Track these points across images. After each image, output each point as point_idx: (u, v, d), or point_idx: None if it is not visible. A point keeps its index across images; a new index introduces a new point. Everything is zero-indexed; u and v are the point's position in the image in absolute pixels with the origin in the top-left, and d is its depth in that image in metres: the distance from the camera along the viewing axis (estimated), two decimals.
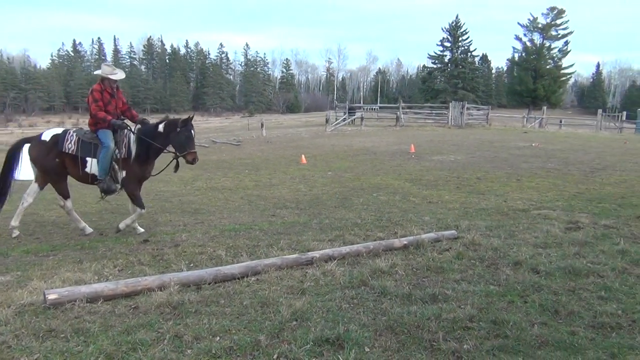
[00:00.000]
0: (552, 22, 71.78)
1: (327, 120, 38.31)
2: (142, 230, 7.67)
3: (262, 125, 34.57)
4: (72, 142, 7.29)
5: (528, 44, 73.71)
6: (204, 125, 57.10)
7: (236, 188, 13.23)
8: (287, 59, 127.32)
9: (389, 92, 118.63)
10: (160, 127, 7.37)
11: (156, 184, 14.31)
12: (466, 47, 74.90)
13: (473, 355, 3.65)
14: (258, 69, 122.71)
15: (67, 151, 7.29)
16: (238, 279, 5.31)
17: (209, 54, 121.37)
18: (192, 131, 7.08)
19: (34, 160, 7.51)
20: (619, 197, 10.27)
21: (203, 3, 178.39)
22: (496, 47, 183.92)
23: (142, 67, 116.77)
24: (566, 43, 72.52)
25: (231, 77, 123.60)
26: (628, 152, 19.89)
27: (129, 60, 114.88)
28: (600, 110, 42.35)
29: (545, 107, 48.89)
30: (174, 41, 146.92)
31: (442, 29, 75.23)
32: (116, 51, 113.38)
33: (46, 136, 7.50)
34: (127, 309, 4.54)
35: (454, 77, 72.36)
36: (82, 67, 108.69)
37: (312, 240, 7.00)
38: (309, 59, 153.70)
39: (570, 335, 3.96)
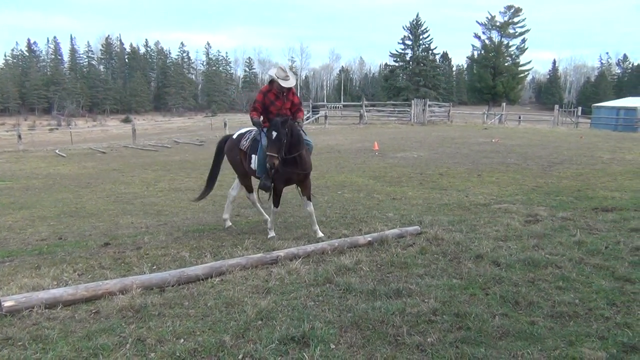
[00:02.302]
0: (510, 21, 73.67)
1: None
2: (273, 235, 7.22)
3: (225, 124, 34.26)
4: (247, 140, 7.45)
5: (487, 42, 75.49)
6: (166, 126, 56.32)
7: (200, 188, 13.03)
8: (249, 57, 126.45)
9: (352, 90, 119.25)
10: None
11: (117, 186, 14.04)
12: (427, 45, 75.89)
13: (437, 348, 3.70)
14: (220, 68, 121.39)
15: (243, 148, 7.48)
16: (202, 280, 5.26)
17: (169, 53, 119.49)
18: (273, 132, 6.49)
19: (226, 155, 8.00)
20: (575, 190, 10.59)
21: (162, 2, 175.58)
22: (456, 45, 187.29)
23: (101, 67, 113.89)
24: (523, 41, 74.68)
25: (193, 76, 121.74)
26: (584, 146, 20.51)
27: (86, 60, 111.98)
28: (557, 106, 43.51)
29: (504, 104, 50.01)
30: (133, 40, 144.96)
31: (404, 28, 76.16)
32: (73, 51, 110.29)
33: (236, 134, 7.85)
34: (87, 314, 4.45)
35: (416, 75, 73.23)
36: (38, 68, 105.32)
37: (277, 239, 6.99)
38: (272, 58, 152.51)
39: (530, 325, 4.06)
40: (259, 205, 8.14)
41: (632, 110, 39.37)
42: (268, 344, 3.74)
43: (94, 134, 48.78)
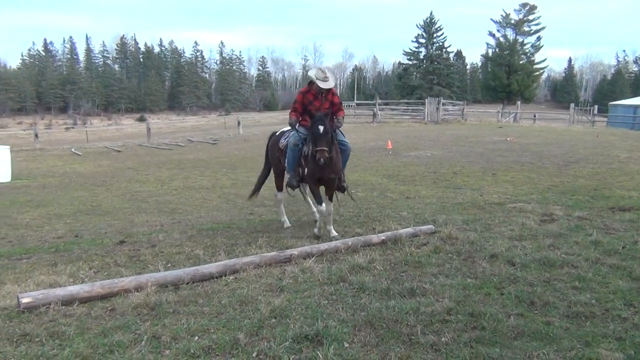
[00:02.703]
0: (525, 18, 73.02)
1: None
2: (319, 235, 7.08)
3: (238, 123, 34.36)
4: (286, 138, 7.46)
5: (501, 39, 74.90)
6: (180, 124, 56.65)
7: (213, 187, 13.16)
8: (263, 56, 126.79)
9: (365, 89, 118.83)
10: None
11: (132, 184, 14.16)
12: (441, 44, 75.55)
13: (451, 347, 3.68)
14: (234, 67, 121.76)
15: (281, 147, 7.53)
16: (216, 278, 5.28)
17: (183, 52, 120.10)
18: (320, 127, 6.41)
19: (269, 150, 8.07)
20: (591, 189, 10.47)
21: (176, 1, 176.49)
22: (470, 43, 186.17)
23: (116, 66, 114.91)
24: (538, 38, 73.95)
25: (207, 75, 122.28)
26: (600, 145, 20.27)
27: (101, 59, 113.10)
28: (572, 105, 43.09)
29: (519, 102, 49.52)
30: (148, 40, 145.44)
31: (417, 26, 75.83)
32: (88, 50, 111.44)
33: (279, 131, 7.90)
34: (103, 311, 4.48)
35: (430, 73, 72.94)
36: (54, 67, 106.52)
37: (291, 238, 7.01)
38: (285, 57, 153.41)
39: (546, 325, 4.02)
40: (282, 207, 8.08)
41: None
42: (282, 342, 3.75)
43: (109, 132, 49.20)
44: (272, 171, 8.13)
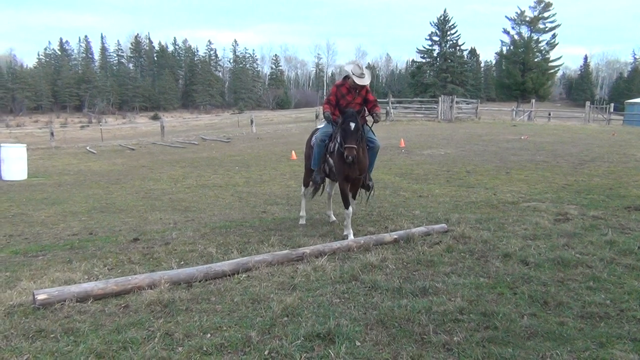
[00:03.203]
0: (540, 15, 72.24)
1: (316, 116, 38.26)
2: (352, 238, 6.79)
3: (251, 121, 34.46)
4: (315, 136, 7.51)
5: (516, 37, 74.20)
6: (193, 123, 56.91)
7: (226, 185, 13.22)
8: (276, 55, 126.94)
9: (378, 87, 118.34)
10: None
11: (146, 182, 14.27)
12: (454, 41, 75.16)
13: (463, 347, 3.66)
14: (247, 66, 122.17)
15: (312, 144, 7.59)
16: (229, 275, 5.31)
17: (197, 50, 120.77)
18: (351, 124, 6.33)
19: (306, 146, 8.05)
20: (607, 189, 10.36)
21: (190, 0, 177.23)
22: (484, 40, 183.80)
23: (130, 65, 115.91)
24: (554, 36, 73.12)
25: (220, 74, 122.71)
26: (616, 143, 20.04)
27: (116, 58, 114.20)
28: (588, 103, 42.64)
29: (533, 100, 49.10)
30: (162, 38, 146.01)
31: (431, 24, 75.54)
32: (103, 49, 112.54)
33: (315, 128, 7.92)
34: (117, 308, 4.52)
35: (443, 71, 72.58)
36: (70, 66, 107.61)
37: (303, 236, 7.01)
38: (298, 55, 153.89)
39: (559, 325, 3.98)
40: (304, 202, 8.07)
41: None
42: (294, 340, 3.76)
43: (123, 131, 49.59)
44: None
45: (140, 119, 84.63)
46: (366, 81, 7.03)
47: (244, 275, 5.32)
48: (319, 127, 7.76)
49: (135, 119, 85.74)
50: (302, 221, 7.86)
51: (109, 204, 11.01)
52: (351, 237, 6.77)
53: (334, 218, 7.98)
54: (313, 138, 7.54)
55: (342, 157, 6.50)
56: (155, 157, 21.59)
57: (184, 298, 4.66)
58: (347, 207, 6.90)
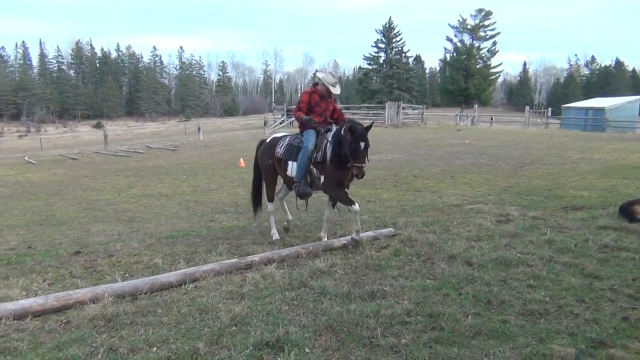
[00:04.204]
0: (481, 24, 74.81)
1: (265, 123, 38.21)
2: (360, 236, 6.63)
3: (199, 129, 34.04)
4: (282, 147, 7.18)
5: (458, 44, 76.51)
6: (138, 131, 55.66)
7: (173, 194, 12.97)
8: (223, 61, 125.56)
9: None
10: (342, 132, 6.59)
11: (88, 193, 13.83)
12: (400, 48, 76.58)
13: (411, 349, 3.73)
14: (194, 72, 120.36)
15: (278, 155, 7.22)
16: (176, 287, 5.21)
17: (141, 57, 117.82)
18: (362, 143, 6.20)
19: (258, 158, 7.71)
20: (545, 190, 10.78)
21: (134, 5, 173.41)
22: (429, 48, 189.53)
23: (71, 72, 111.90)
24: (494, 43, 75.85)
25: (166, 80, 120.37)
26: (554, 146, 20.91)
27: (56, 65, 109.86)
28: (527, 107, 44.28)
29: (476, 105, 50.76)
30: (105, 44, 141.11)
31: (376, 31, 76.69)
32: (42, 55, 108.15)
33: (269, 138, 7.67)
34: (58, 324, 4.37)
35: (389, 78, 73.78)
36: (6, 73, 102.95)
37: (252, 244, 6.97)
38: (245, 62, 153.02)
39: (502, 323, 4.11)
40: (272, 218, 7.63)
41: (600, 110, 40.33)
42: (242, 349, 3.72)
43: (64, 140, 47.93)
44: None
45: (82, 128, 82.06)
46: (338, 90, 7.11)
47: (191, 286, 5.23)
48: (276, 136, 7.55)
49: (77, 128, 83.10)
50: (276, 236, 7.41)
51: (49, 216, 10.60)
52: (361, 234, 6.61)
53: (290, 216, 7.73)
54: (279, 149, 7.16)
55: (341, 167, 6.44)
56: (99, 166, 20.96)
57: (129, 311, 4.54)
58: (351, 204, 6.46)
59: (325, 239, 6.91)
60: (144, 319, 4.40)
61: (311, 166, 6.80)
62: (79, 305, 4.68)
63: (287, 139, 7.23)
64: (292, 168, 6.95)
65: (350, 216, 6.83)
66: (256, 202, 7.89)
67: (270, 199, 7.55)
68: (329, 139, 6.63)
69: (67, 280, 5.68)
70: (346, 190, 6.82)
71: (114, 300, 4.78)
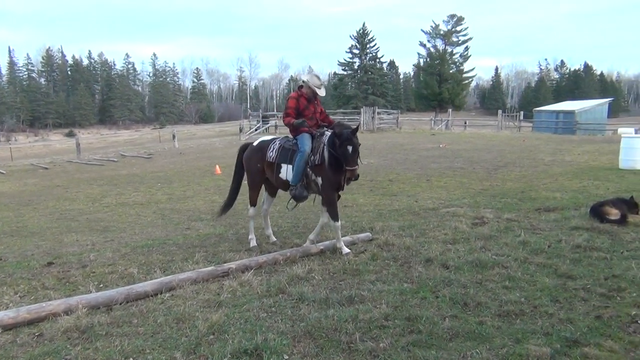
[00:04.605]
0: (453, 29, 75.97)
1: (241, 129, 38.10)
2: (347, 250, 6.58)
3: (173, 136, 33.74)
4: (274, 150, 7.09)
5: (432, 50, 77.55)
6: (112, 139, 54.95)
7: (148, 203, 12.81)
8: (197, 68, 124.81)
9: None
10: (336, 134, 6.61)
11: (61, 203, 13.58)
12: (374, 54, 77.13)
13: (389, 352, 3.74)
14: (168, 79, 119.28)
15: (268, 159, 7.11)
16: (152, 296, 5.14)
17: (114, 64, 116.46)
18: (349, 147, 6.25)
19: (245, 163, 7.53)
20: (519, 192, 10.94)
21: (106, 12, 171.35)
22: (403, 53, 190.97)
23: (42, 79, 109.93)
24: (467, 48, 77.12)
25: (140, 88, 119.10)
26: (526, 149, 21.25)
27: (26, 73, 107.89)
28: (500, 111, 45.03)
29: (450, 110, 51.34)
30: (76, 52, 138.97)
31: (351, 37, 77.17)
32: (12, 63, 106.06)
33: (256, 142, 7.51)
34: (30, 338, 4.27)
35: (364, 83, 74.23)
36: None
37: (229, 251, 6.91)
38: (220, 68, 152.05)
39: (479, 325, 4.16)
40: (252, 223, 7.58)
41: (570, 113, 41.17)
42: (220, 358, 3.69)
43: (35, 149, 47.04)
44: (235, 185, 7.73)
45: (54, 136, 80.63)
46: (324, 92, 7.16)
47: (167, 295, 5.16)
48: (264, 139, 7.43)
49: (49, 136, 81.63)
50: (253, 243, 7.34)
51: (20, 227, 10.37)
52: (346, 249, 6.60)
53: (274, 238, 7.54)
54: (271, 152, 7.07)
55: (338, 169, 6.47)
56: (71, 175, 20.61)
57: (104, 322, 4.46)
58: (337, 219, 6.62)
59: (315, 244, 6.88)
60: (120, 329, 4.33)
61: (308, 169, 6.80)
62: (52, 318, 4.59)
63: (278, 142, 7.16)
64: (286, 171, 6.92)
65: (330, 229, 6.87)
66: (228, 205, 7.80)
67: (253, 204, 7.48)
68: (325, 143, 6.65)
69: (40, 292, 5.56)
70: (339, 194, 6.94)
71: (89, 311, 4.70)
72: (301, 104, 7.03)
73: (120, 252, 7.38)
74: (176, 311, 4.67)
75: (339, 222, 6.62)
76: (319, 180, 6.68)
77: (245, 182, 7.62)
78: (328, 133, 6.73)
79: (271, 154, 7.09)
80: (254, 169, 7.35)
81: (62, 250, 7.89)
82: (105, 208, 12.36)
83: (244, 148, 7.66)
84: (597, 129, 36.83)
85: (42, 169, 24.07)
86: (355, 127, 6.57)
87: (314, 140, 6.82)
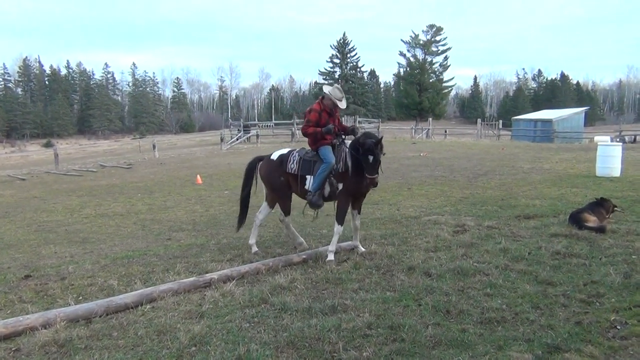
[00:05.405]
0: (432, 39, 76.78)
1: (222, 139, 37.90)
2: (331, 258, 6.67)
3: (154, 146, 33.47)
4: (294, 162, 7.11)
5: (412, 59, 78.23)
6: (91, 149, 54.30)
7: (128, 213, 12.66)
8: (177, 77, 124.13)
9: (283, 109, 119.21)
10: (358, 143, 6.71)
11: (39, 214, 13.36)
12: (355, 63, 77.76)
13: None
14: (147, 89, 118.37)
15: (290, 171, 7.12)
16: (132, 308, 5.08)
17: (93, 74, 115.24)
18: (370, 157, 6.37)
19: (262, 177, 7.54)
20: (499, 199, 11.06)
21: (84, 21, 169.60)
22: (383, 62, 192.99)
23: (19, 89, 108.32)
24: (446, 58, 77.95)
25: (119, 97, 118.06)
26: (506, 157, 21.50)
27: (2, 82, 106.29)
28: (479, 120, 45.62)
29: (430, 119, 51.87)
30: (54, 61, 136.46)
31: (331, 46, 77.67)
32: None
33: (274, 156, 7.46)
34: (7, 352, 4.19)
35: (345, 92, 74.38)
36: None
37: (210, 262, 6.86)
38: (200, 78, 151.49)
39: (461, 332, 4.18)
40: (292, 228, 7.69)
41: (548, 122, 41.81)
42: None
43: (12, 160, 46.21)
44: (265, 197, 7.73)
45: (31, 147, 79.34)
46: (344, 105, 7.18)
47: (148, 307, 5.10)
48: (282, 152, 7.38)
49: (26, 147, 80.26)
50: (304, 245, 7.51)
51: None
52: (331, 257, 6.69)
53: (256, 248, 7.48)
54: (292, 165, 7.11)
55: (359, 178, 6.63)
56: (49, 186, 20.29)
57: (83, 335, 4.39)
58: (341, 224, 6.87)
59: (361, 248, 7.09)
60: (99, 342, 4.27)
61: (332, 177, 6.91)
62: (29, 332, 4.50)
63: (296, 155, 7.20)
64: (309, 182, 7.03)
65: (333, 233, 6.94)
66: (242, 217, 7.78)
67: (287, 213, 7.52)
68: (347, 152, 6.78)
69: (17, 306, 5.45)
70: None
71: (67, 324, 4.62)
72: (323, 119, 7.04)
73: (99, 263, 7.28)
74: (157, 323, 4.61)
75: (342, 227, 6.87)
76: (340, 185, 6.86)
77: (251, 191, 7.73)
78: (348, 142, 6.89)
79: (292, 165, 7.14)
80: (279, 183, 7.35)
81: (40, 262, 7.76)
82: (84, 219, 12.19)
83: (256, 162, 7.67)
84: (574, 137, 37.48)
85: (19, 180, 23.67)
86: (380, 137, 6.70)
87: (334, 150, 6.94)
